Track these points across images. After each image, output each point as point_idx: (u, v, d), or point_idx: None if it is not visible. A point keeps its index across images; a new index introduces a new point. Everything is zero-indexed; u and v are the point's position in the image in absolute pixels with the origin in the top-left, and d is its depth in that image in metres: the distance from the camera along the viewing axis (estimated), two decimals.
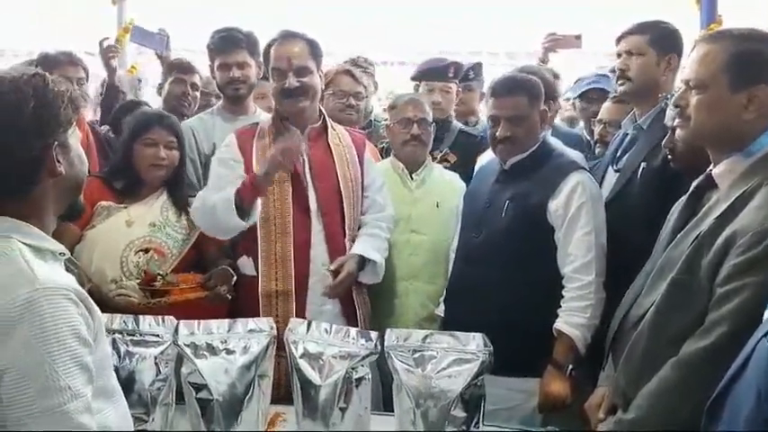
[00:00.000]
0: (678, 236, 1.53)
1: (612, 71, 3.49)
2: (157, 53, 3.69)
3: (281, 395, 1.87)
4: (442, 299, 2.41)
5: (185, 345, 1.65)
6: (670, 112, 1.83)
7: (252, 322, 1.72)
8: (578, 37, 3.43)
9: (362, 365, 1.64)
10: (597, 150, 2.79)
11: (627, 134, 2.34)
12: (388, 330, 1.68)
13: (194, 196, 2.37)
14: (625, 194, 2.19)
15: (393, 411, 1.68)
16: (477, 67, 3.47)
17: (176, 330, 1.68)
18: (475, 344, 1.62)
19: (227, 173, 2.27)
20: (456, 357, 1.60)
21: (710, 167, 1.56)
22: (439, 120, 2.82)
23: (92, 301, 1.19)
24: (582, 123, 3.46)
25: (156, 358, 1.70)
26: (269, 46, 2.35)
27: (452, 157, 2.96)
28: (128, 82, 3.62)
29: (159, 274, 2.18)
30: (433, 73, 3.15)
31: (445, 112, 3.06)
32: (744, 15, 3.68)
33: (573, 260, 2.09)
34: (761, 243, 1.31)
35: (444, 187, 2.60)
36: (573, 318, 2.06)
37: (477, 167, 2.58)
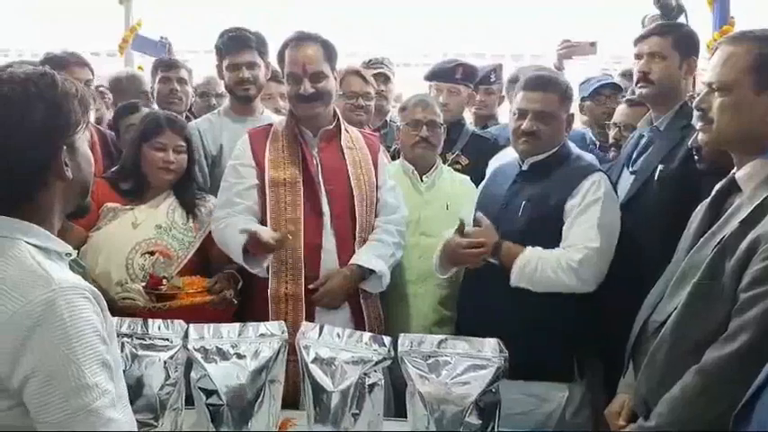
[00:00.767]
0: (701, 240, 1.51)
1: (623, 74, 3.48)
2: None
3: (290, 400, 1.84)
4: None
5: (195, 349, 1.62)
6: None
7: (263, 326, 1.69)
8: (593, 44, 3.39)
9: (375, 371, 1.61)
10: (611, 154, 2.76)
11: (642, 136, 2.32)
12: (401, 335, 1.64)
13: (201, 197, 2.37)
14: (642, 196, 2.17)
15: (402, 416, 1.65)
16: (497, 70, 3.42)
17: (186, 334, 1.65)
18: (490, 349, 1.59)
19: (238, 183, 2.26)
20: (471, 363, 1.56)
21: (734, 170, 1.53)
22: (449, 121, 2.78)
23: (104, 301, 1.18)
24: (581, 123, 3.43)
25: (165, 362, 1.67)
26: (284, 47, 2.32)
27: (464, 159, 2.92)
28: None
29: (165, 277, 2.16)
30: (440, 74, 3.12)
31: (454, 114, 3.02)
32: (756, 17, 3.67)
33: (571, 244, 2.03)
34: None
35: (454, 189, 2.57)
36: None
37: (488, 170, 2.55)
